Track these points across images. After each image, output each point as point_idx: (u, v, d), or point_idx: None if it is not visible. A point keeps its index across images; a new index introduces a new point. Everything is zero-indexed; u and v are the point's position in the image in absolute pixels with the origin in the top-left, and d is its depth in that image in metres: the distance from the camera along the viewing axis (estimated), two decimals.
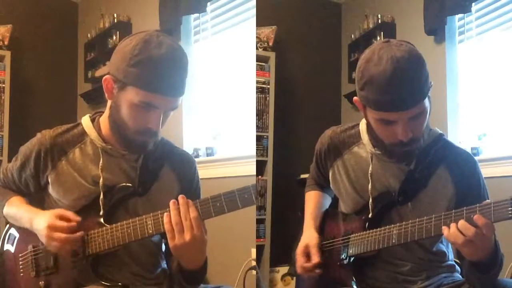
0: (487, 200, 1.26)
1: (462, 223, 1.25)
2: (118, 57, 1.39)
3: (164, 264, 1.61)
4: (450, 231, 1.26)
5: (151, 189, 1.52)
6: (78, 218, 1.43)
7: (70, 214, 1.44)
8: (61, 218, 1.42)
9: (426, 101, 1.38)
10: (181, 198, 1.33)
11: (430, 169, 1.49)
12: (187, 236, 1.31)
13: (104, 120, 1.50)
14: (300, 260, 1.60)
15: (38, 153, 1.50)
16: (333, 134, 1.64)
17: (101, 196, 1.46)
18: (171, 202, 1.33)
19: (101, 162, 1.48)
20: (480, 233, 1.23)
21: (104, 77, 1.42)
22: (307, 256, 1.59)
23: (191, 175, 1.61)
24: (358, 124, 1.60)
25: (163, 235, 1.56)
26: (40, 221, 1.44)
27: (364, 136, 1.55)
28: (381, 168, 1.53)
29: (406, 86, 1.32)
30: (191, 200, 1.34)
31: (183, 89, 1.40)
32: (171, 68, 1.35)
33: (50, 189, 1.51)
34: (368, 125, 1.49)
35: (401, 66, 1.31)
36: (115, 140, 1.48)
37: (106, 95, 1.44)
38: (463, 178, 1.48)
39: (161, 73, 1.34)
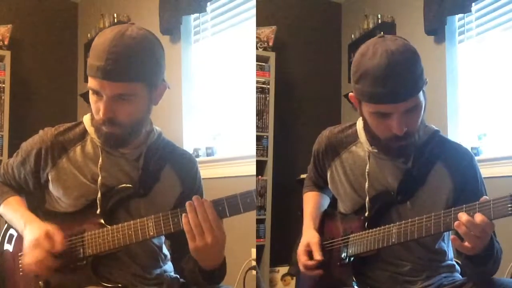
0: (485, 197, 1.25)
1: (469, 219, 1.23)
2: None
3: (164, 265, 1.60)
4: (464, 220, 1.23)
5: (153, 190, 1.51)
6: (63, 248, 1.41)
7: (57, 238, 1.41)
8: (49, 236, 1.40)
9: (421, 95, 1.39)
10: (195, 199, 1.30)
11: (427, 166, 1.49)
12: (209, 238, 1.28)
13: None
14: (302, 258, 1.59)
15: (38, 151, 1.51)
16: (330, 134, 1.64)
17: (99, 195, 1.46)
18: (187, 204, 1.29)
19: (100, 161, 1.48)
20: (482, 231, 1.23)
21: None
22: (309, 254, 1.59)
23: (192, 175, 1.60)
24: (355, 124, 1.60)
25: (166, 236, 1.56)
26: (31, 231, 1.43)
27: (362, 135, 1.55)
28: (378, 167, 1.52)
29: (400, 79, 1.33)
30: (208, 200, 1.30)
31: (125, 74, 1.34)
32: (111, 51, 1.32)
33: (51, 187, 1.51)
34: (365, 122, 1.49)
35: (396, 59, 1.32)
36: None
37: None
38: (460, 173, 1.48)
39: (99, 57, 1.33)
